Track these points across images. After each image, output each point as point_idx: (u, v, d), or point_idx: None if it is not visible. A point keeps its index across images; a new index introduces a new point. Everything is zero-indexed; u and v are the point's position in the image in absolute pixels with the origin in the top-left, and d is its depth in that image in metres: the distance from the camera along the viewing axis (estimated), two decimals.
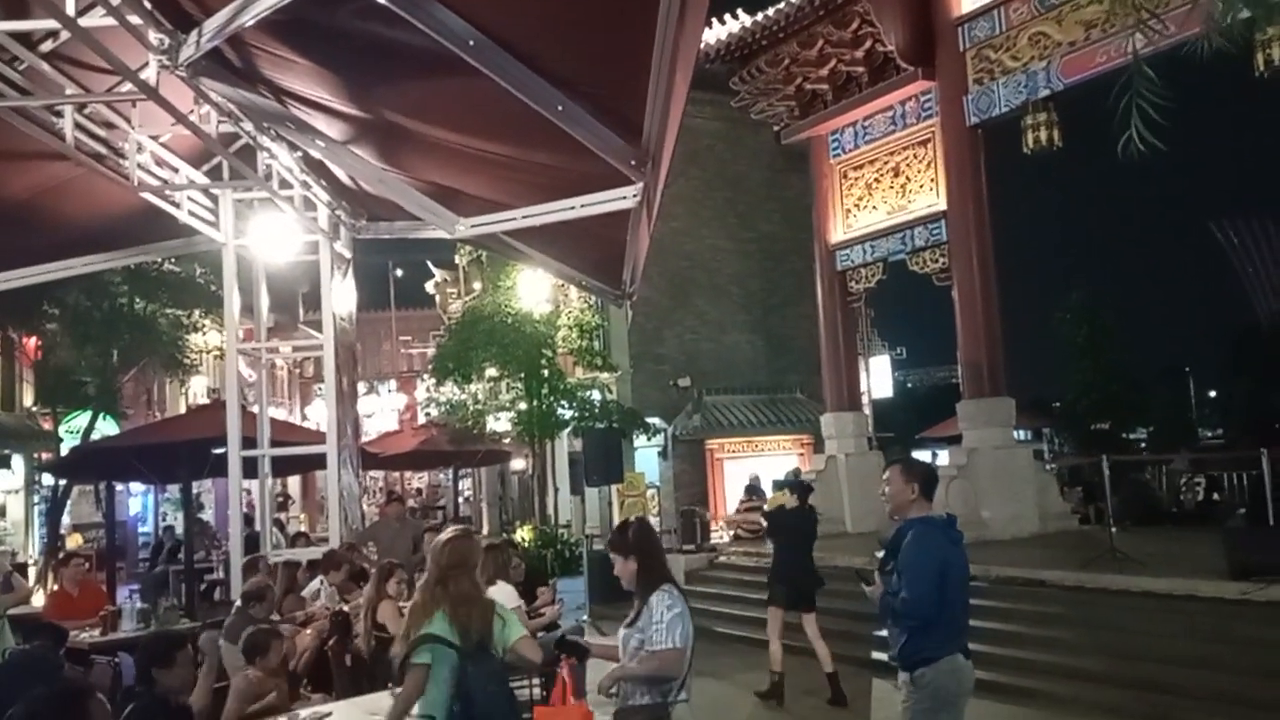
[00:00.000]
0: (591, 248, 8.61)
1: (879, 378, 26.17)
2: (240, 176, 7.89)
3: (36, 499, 19.39)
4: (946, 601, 4.51)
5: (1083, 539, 12.46)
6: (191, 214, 8.38)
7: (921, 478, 4.76)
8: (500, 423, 19.81)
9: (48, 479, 17.43)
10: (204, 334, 17.84)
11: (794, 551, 9.41)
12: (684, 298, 23.34)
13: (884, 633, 4.92)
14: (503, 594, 6.48)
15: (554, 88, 4.79)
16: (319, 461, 9.74)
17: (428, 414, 21.06)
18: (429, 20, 4.27)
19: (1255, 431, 27.79)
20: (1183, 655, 8.34)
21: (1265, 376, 39.03)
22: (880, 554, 5.15)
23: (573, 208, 7.22)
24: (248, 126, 6.98)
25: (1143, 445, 32.98)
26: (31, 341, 17.50)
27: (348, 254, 9.67)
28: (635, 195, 6.49)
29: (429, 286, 27.31)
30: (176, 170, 7.79)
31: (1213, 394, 51.30)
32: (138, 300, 15.24)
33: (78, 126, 6.45)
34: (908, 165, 15.11)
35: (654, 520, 21.23)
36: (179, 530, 18.14)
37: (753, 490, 16.44)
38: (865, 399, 21.73)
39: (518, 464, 23.62)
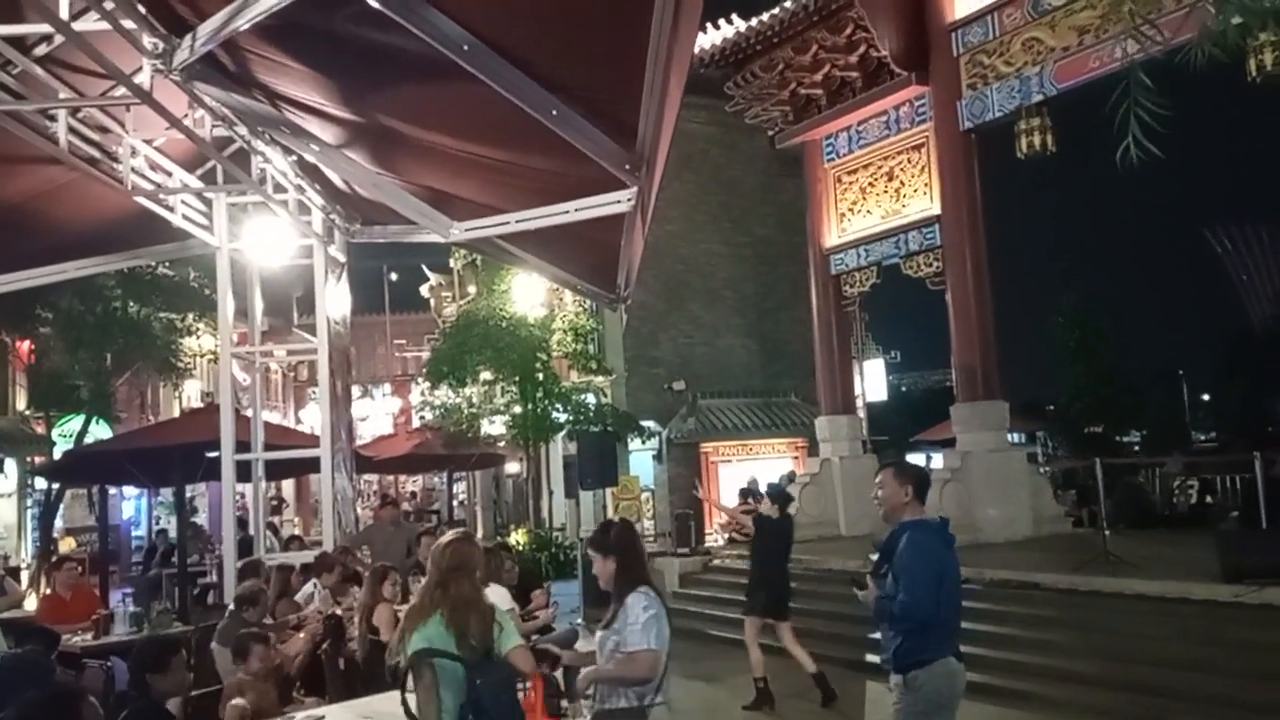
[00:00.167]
0: (586, 252, 8.62)
1: (873, 381, 26.23)
2: (234, 180, 7.89)
3: (29, 503, 19.33)
4: (941, 604, 4.53)
5: (1076, 542, 12.49)
6: (185, 218, 8.37)
7: (915, 480, 4.77)
8: (495, 426, 19.80)
9: (41, 483, 17.41)
10: (198, 338, 17.82)
11: (775, 559, 9.43)
12: (679, 301, 23.35)
13: (877, 635, 4.92)
14: (496, 597, 6.48)
15: (548, 92, 4.80)
16: (313, 465, 9.72)
17: (422, 417, 21.08)
18: (423, 25, 4.28)
19: (1248, 435, 27.84)
20: (1176, 658, 8.36)
21: (1258, 380, 39.17)
22: (874, 557, 5.15)
23: (567, 212, 7.23)
24: (242, 131, 6.98)
25: (1136, 448, 33.05)
26: (25, 345, 17.46)
27: (342, 258, 9.66)
28: (630, 199, 6.49)
29: (423, 290, 27.30)
30: (170, 174, 7.78)
31: (1206, 397, 51.41)
32: (131, 304, 15.20)
33: (71, 131, 6.44)
34: (902, 170, 15.15)
35: (648, 523, 21.30)
36: (172, 534, 18.10)
37: (749, 493, 16.44)
38: (860, 402, 21.78)
39: (512, 467, 23.62)
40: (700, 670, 10.45)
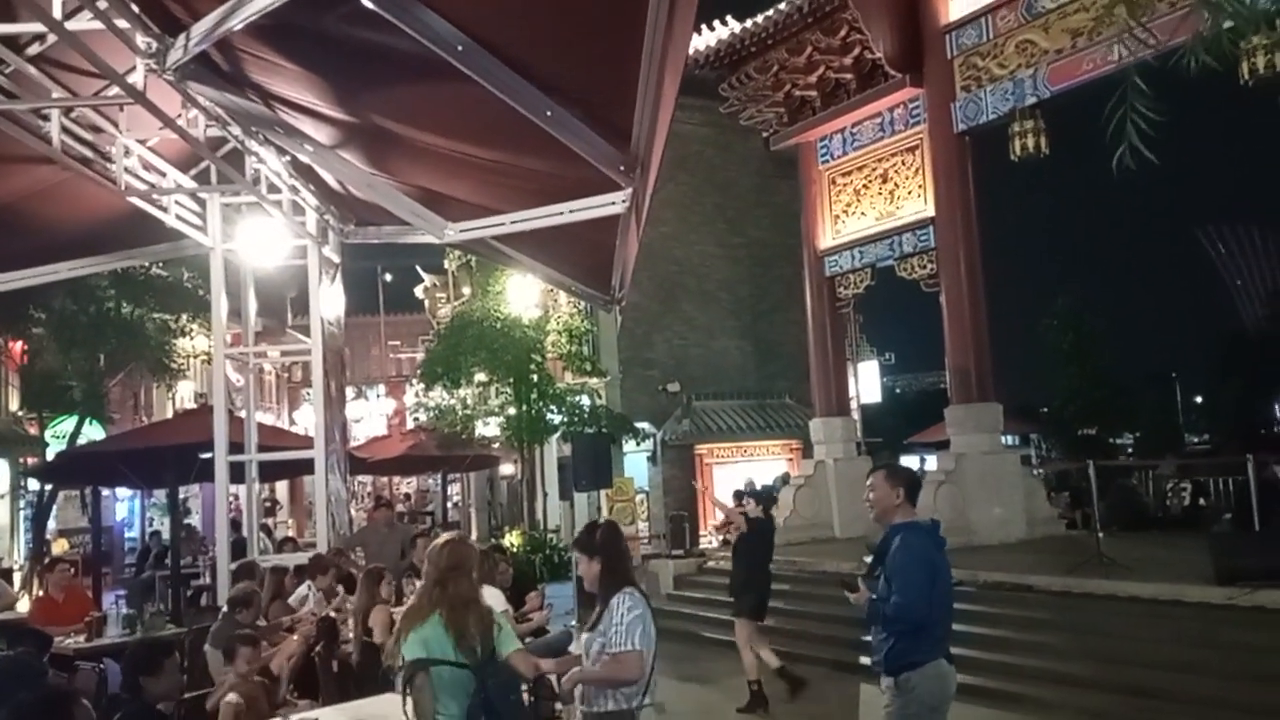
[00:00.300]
0: (581, 253, 8.61)
1: (867, 383, 26.26)
2: (228, 181, 7.87)
3: (22, 504, 19.24)
4: (933, 606, 4.54)
5: (1070, 544, 12.50)
6: (179, 218, 8.35)
7: (906, 483, 4.78)
8: (489, 428, 19.80)
9: (33, 484, 17.32)
10: (191, 339, 17.72)
11: (762, 560, 9.43)
12: (673, 303, 23.36)
13: (870, 638, 4.93)
14: (490, 599, 6.48)
15: (543, 93, 4.80)
16: (306, 466, 9.71)
17: (416, 419, 21.04)
18: (417, 25, 4.27)
19: (1241, 437, 27.95)
20: (1169, 660, 8.37)
21: (1251, 382, 39.30)
22: (869, 559, 5.16)
23: (561, 213, 7.23)
24: (235, 131, 6.97)
25: (1129, 450, 33.16)
26: (17, 346, 17.38)
27: (336, 259, 9.65)
28: (624, 201, 6.49)
29: (418, 291, 27.29)
30: (164, 174, 7.77)
31: (1199, 399, 51.60)
32: (124, 304, 15.15)
33: (64, 130, 6.43)
34: (896, 171, 15.17)
35: (643, 525, 21.30)
36: (165, 536, 18.05)
37: (747, 495, 16.41)
38: (854, 404, 21.78)
39: (507, 469, 23.62)
40: (694, 672, 10.45)
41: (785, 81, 16.14)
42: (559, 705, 4.68)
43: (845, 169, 15.97)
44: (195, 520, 20.91)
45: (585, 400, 19.31)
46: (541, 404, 18.47)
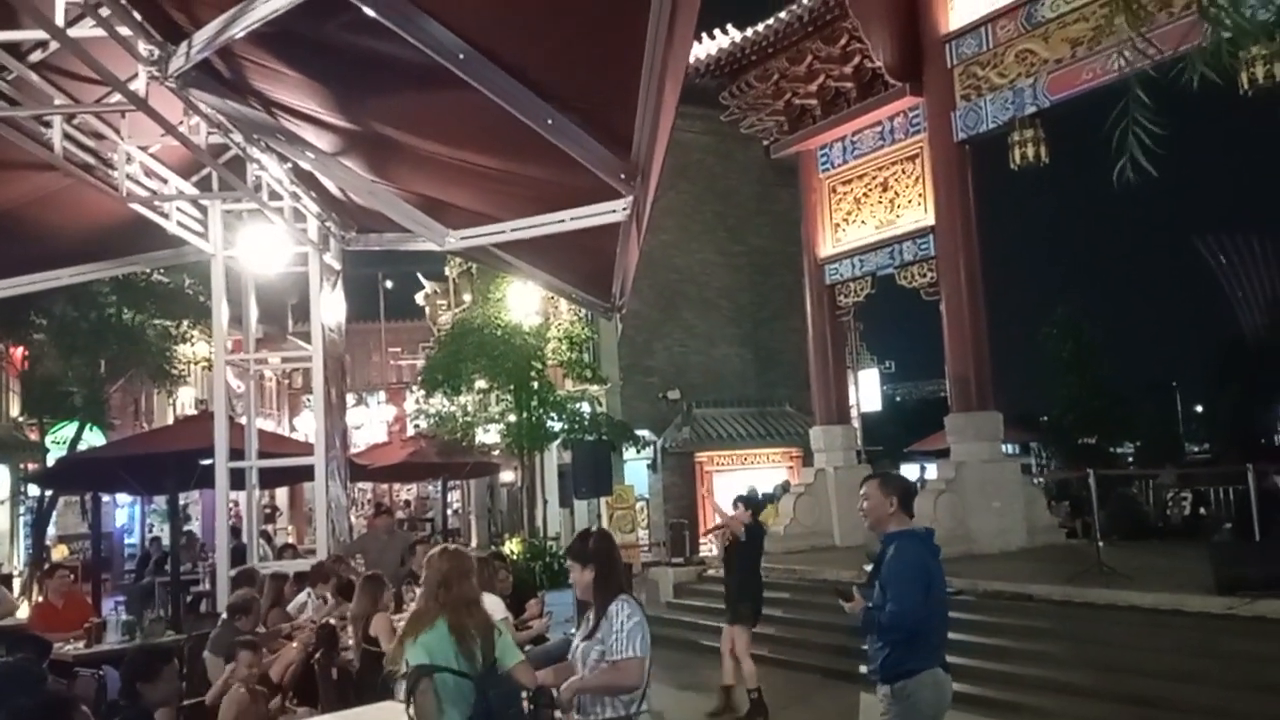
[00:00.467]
0: (581, 261, 8.62)
1: (868, 391, 26.26)
2: (229, 188, 7.88)
3: (22, 510, 19.27)
4: (928, 614, 4.54)
5: (1070, 553, 12.49)
6: (180, 225, 8.36)
7: (899, 491, 4.79)
8: (489, 435, 19.79)
9: (33, 490, 17.32)
10: (192, 345, 17.75)
11: (755, 567, 9.46)
12: (673, 311, 23.38)
13: (867, 646, 4.94)
14: (490, 606, 6.48)
15: (543, 101, 4.81)
16: (307, 473, 9.71)
17: (416, 426, 21.03)
18: (419, 34, 4.28)
19: (1241, 446, 27.96)
20: (1169, 670, 8.36)
21: (1251, 392, 39.32)
22: (869, 568, 5.16)
23: (562, 221, 7.22)
24: (237, 138, 6.98)
25: (1130, 460, 33.12)
26: (18, 351, 17.41)
27: (337, 265, 9.66)
28: (625, 209, 6.50)
29: (419, 298, 27.33)
30: (165, 181, 7.77)
31: (1199, 409, 51.59)
32: (125, 311, 15.17)
33: (66, 137, 6.44)
34: (896, 180, 15.19)
35: (643, 533, 21.29)
36: (165, 542, 18.05)
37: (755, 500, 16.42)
38: (854, 412, 21.77)
39: (507, 476, 23.61)
40: (693, 680, 10.40)
41: (785, 90, 16.17)
42: (558, 714, 4.68)
43: (845, 177, 16.00)
44: (195, 527, 20.91)
45: (585, 407, 19.30)
46: (542, 411, 18.46)
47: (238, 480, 9.19)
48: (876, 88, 15.05)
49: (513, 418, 18.56)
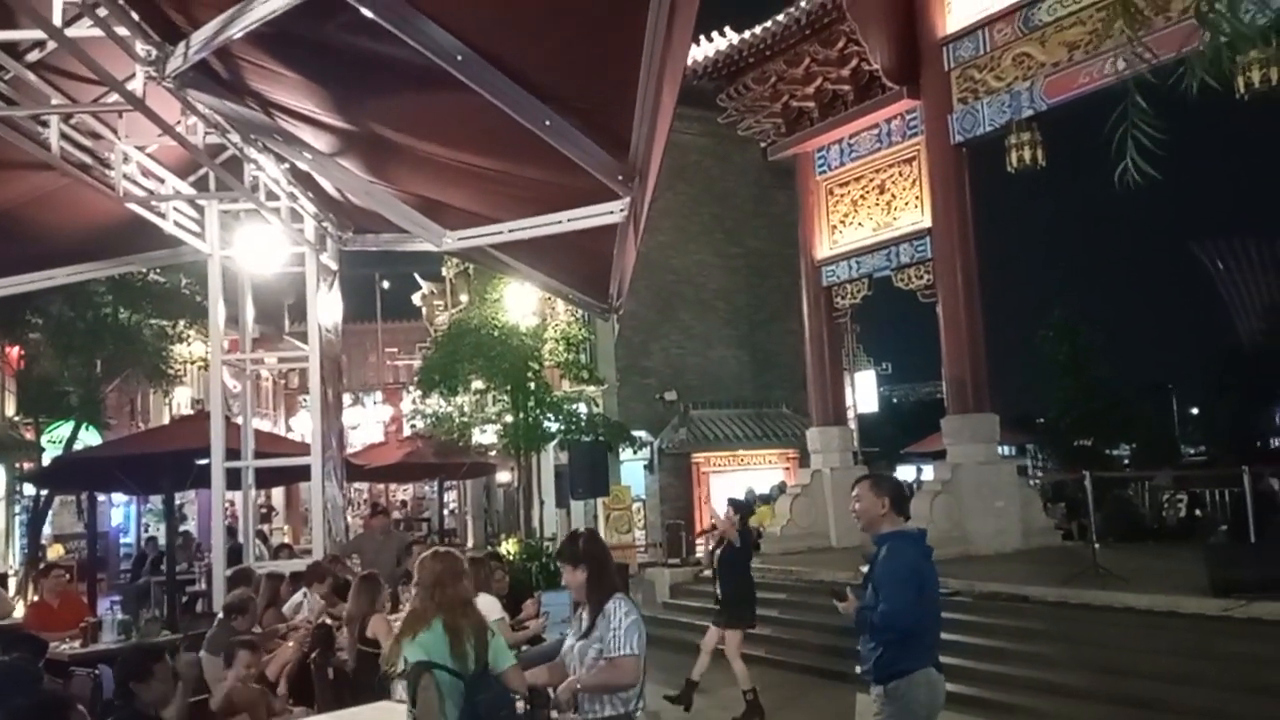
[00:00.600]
0: (578, 262, 8.62)
1: (864, 393, 26.26)
2: (226, 188, 7.88)
3: (18, 509, 19.24)
4: (921, 614, 4.56)
5: (1065, 555, 12.51)
6: (177, 225, 8.35)
7: (891, 492, 4.81)
8: (486, 435, 19.76)
9: (29, 489, 17.29)
10: (188, 345, 17.73)
11: (748, 569, 9.49)
12: (670, 312, 23.39)
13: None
14: (486, 606, 6.48)
15: (541, 103, 4.81)
16: (303, 473, 9.70)
17: (413, 426, 21.00)
18: (417, 35, 4.29)
19: (1237, 449, 28.02)
20: (1165, 671, 8.37)
21: (1247, 395, 39.39)
22: (865, 569, 5.18)
23: (560, 222, 7.23)
24: (234, 138, 6.98)
25: (1126, 462, 33.14)
26: (14, 351, 17.39)
27: (334, 266, 9.66)
28: (622, 210, 6.50)
29: (416, 298, 27.32)
30: (163, 181, 7.77)
31: (1195, 411, 51.63)
32: (122, 310, 15.16)
33: (64, 137, 6.44)
34: (893, 183, 15.21)
35: (639, 533, 21.29)
36: (161, 542, 18.02)
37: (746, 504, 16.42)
38: (851, 414, 21.82)
39: (503, 477, 23.57)
40: None
41: (783, 92, 16.18)
42: (555, 714, 4.68)
43: (843, 179, 16.02)
44: (191, 526, 20.88)
45: (582, 408, 19.27)
46: (539, 412, 18.43)
47: (234, 480, 9.18)
48: (874, 90, 15.07)
49: (509, 418, 18.52)
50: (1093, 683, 8.52)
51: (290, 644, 7.00)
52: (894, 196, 15.18)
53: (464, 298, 22.96)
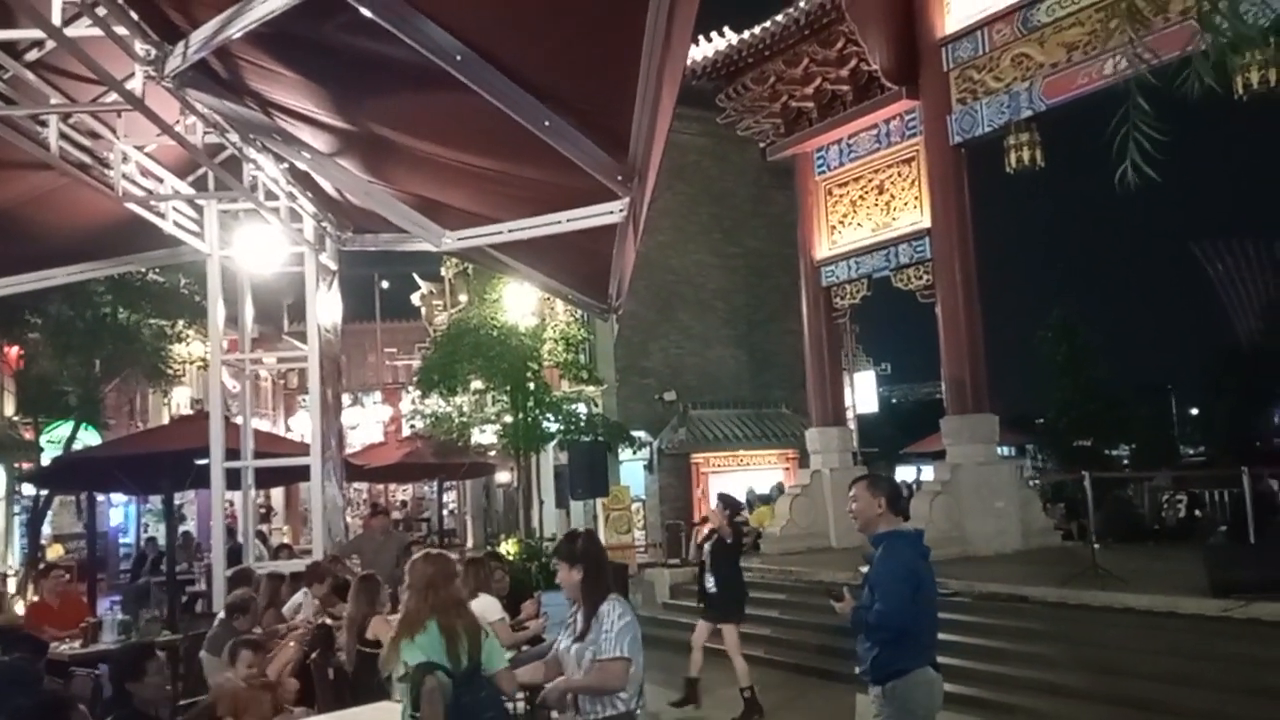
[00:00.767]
0: (577, 262, 8.63)
1: (864, 393, 26.28)
2: (226, 187, 7.88)
3: (17, 509, 19.21)
4: (918, 614, 4.56)
5: (1065, 555, 12.51)
6: (176, 224, 8.35)
7: (887, 493, 4.81)
8: (485, 435, 19.76)
9: (28, 489, 17.27)
10: (187, 344, 17.72)
11: (738, 564, 9.56)
12: (669, 312, 23.39)
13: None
14: (485, 606, 6.48)
15: (541, 103, 4.81)
16: (303, 473, 9.70)
17: (412, 426, 20.99)
18: (416, 35, 4.29)
19: (1236, 450, 27.98)
20: (1164, 672, 8.37)
21: (1246, 396, 39.38)
22: (864, 569, 5.18)
23: (559, 222, 7.23)
24: (233, 138, 6.98)
25: (1125, 462, 33.13)
26: (13, 351, 17.37)
27: (333, 266, 9.66)
28: (621, 210, 6.51)
29: (415, 299, 27.27)
30: (162, 181, 7.77)
31: (1194, 412, 51.61)
32: (121, 310, 15.14)
33: (62, 136, 6.43)
34: (892, 183, 15.21)
35: (639, 534, 21.29)
36: (161, 542, 18.02)
37: (745, 504, 16.48)
38: (850, 414, 21.82)
39: (503, 477, 23.57)
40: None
41: (782, 93, 16.19)
42: (554, 714, 4.68)
43: (841, 180, 16.02)
44: (191, 527, 20.88)
45: (582, 408, 19.27)
46: (538, 412, 18.42)
47: (233, 480, 9.18)
48: (873, 91, 15.08)
49: (509, 418, 18.51)
50: (1092, 683, 8.52)
51: (291, 644, 7.00)
52: (893, 197, 15.19)
53: (463, 298, 22.92)
